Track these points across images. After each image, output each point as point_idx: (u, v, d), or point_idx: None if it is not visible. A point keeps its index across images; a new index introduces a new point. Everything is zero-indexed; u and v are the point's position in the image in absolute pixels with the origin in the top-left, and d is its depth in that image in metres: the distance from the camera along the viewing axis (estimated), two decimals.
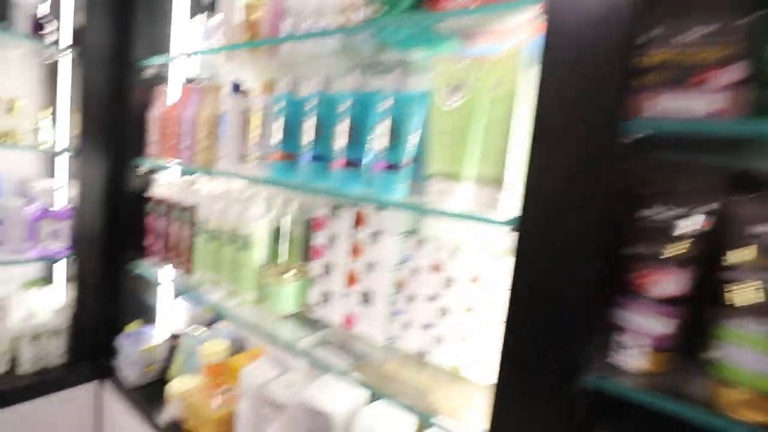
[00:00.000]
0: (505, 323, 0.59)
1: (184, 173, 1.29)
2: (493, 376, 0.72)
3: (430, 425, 0.68)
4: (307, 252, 1.08)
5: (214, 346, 1.12)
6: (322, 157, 0.79)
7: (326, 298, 0.92)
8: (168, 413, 1.09)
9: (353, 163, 0.74)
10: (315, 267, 0.94)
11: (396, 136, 0.68)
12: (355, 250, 0.86)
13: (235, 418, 0.99)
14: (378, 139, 0.70)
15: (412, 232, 0.80)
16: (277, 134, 0.84)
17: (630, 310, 0.53)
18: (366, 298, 0.85)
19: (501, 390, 0.59)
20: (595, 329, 0.53)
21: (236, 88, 0.96)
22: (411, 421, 0.82)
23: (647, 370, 0.52)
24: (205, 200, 1.05)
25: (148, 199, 1.21)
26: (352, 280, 0.87)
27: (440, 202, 0.64)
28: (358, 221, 0.86)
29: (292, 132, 0.83)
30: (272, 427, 0.90)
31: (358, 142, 0.73)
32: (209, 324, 1.30)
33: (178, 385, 1.11)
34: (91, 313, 1.28)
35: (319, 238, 0.92)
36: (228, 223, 0.96)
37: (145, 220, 1.21)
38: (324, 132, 0.78)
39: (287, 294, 0.91)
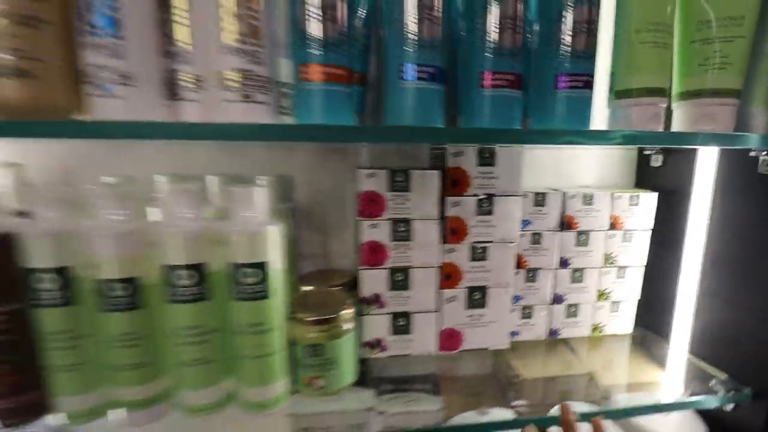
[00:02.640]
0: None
1: None
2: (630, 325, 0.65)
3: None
4: (295, 263, 0.62)
5: None
6: (434, 74, 0.40)
7: (405, 322, 0.55)
8: None
9: (511, 81, 0.41)
10: (370, 281, 0.54)
11: (592, 28, 0.43)
12: (456, 231, 0.54)
13: None
14: (565, 35, 0.42)
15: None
16: (317, 24, 0.36)
17: None
18: (477, 297, 0.56)
19: None
20: None
21: None
22: None
23: None
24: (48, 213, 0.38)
25: None
26: (452, 278, 0.55)
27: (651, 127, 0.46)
28: (457, 184, 0.53)
29: (350, 19, 0.38)
30: None
31: (519, 44, 0.41)
32: None
33: None
34: None
35: (374, 230, 0.52)
36: (181, 254, 0.39)
37: None
38: (450, 21, 0.39)
39: (349, 349, 0.48)
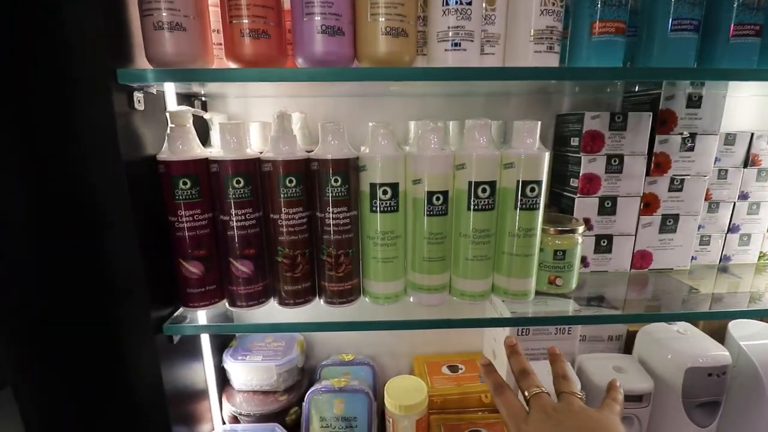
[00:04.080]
0: None
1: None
2: None
3: None
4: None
5: (405, 387, 0.66)
6: (695, 27, 0.48)
7: (607, 243, 0.66)
8: None
9: (756, 30, 0.49)
10: (584, 207, 0.65)
11: None
12: (660, 165, 0.64)
13: None
14: None
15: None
16: None
17: None
18: (669, 224, 0.66)
19: None
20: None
21: None
22: None
23: None
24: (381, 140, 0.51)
25: (169, 167, 0.50)
26: (651, 206, 0.65)
27: None
28: (665, 123, 0.63)
29: None
30: None
31: (764, 2, 0.49)
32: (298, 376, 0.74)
33: None
34: None
35: (592, 163, 0.63)
36: (487, 170, 0.51)
37: (174, 218, 0.50)
38: None
39: (578, 258, 0.60)
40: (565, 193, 0.67)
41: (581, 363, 0.68)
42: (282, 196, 0.51)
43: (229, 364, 0.69)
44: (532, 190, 0.53)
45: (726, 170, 0.67)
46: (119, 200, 0.47)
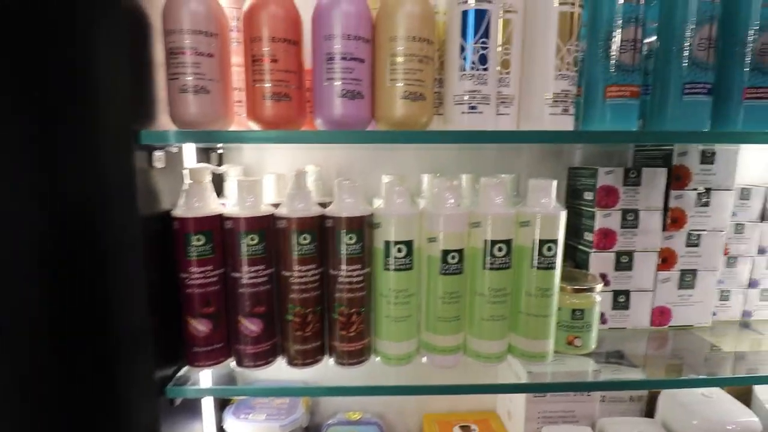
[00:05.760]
0: None
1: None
2: None
3: None
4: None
5: None
6: (708, 90, 0.49)
7: (625, 299, 0.65)
8: None
9: (765, 95, 0.50)
10: (600, 262, 0.64)
11: None
12: (676, 220, 0.63)
13: None
14: None
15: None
16: (627, 54, 0.47)
17: None
18: (687, 279, 0.65)
19: None
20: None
21: None
22: None
23: None
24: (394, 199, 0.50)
25: (183, 227, 0.50)
26: (668, 261, 0.64)
27: None
28: (680, 179, 0.62)
29: (641, 49, 0.48)
30: None
31: None
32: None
33: None
34: None
35: (607, 218, 0.62)
36: (503, 228, 0.50)
37: (185, 274, 0.49)
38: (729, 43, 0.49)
39: (597, 317, 0.58)
40: (580, 247, 0.66)
41: (603, 428, 0.65)
42: (295, 253, 0.51)
43: (230, 423, 0.66)
44: (549, 249, 0.52)
45: (743, 225, 0.66)
46: (133, 255, 0.47)
